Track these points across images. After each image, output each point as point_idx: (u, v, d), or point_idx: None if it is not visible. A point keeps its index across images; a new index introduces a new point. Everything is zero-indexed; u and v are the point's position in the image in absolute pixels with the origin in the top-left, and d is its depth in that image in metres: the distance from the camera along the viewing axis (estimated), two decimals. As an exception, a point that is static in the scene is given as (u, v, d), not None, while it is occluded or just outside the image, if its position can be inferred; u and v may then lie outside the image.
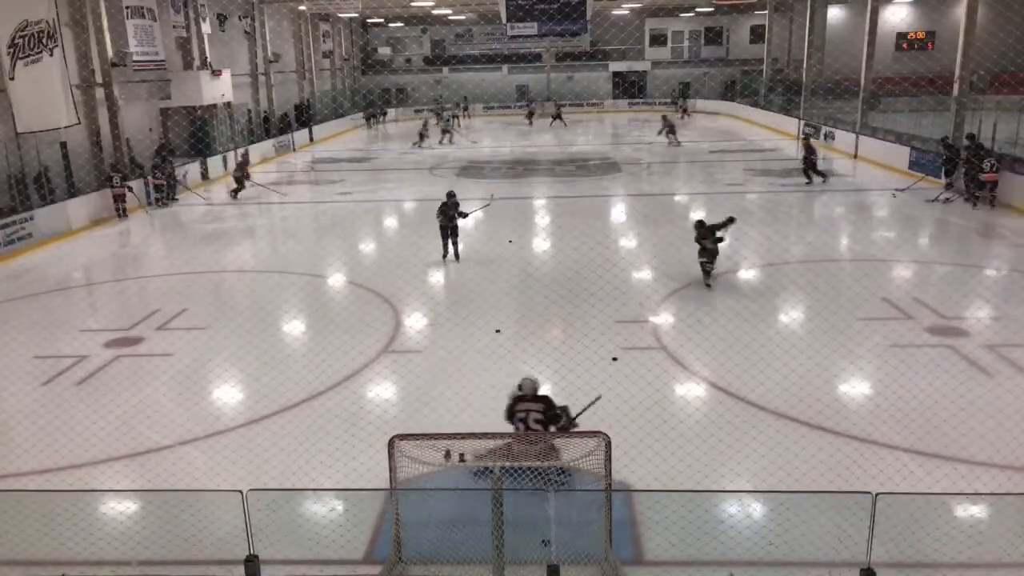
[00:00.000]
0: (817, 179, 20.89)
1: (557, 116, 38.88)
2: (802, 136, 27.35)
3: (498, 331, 10.45)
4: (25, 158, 17.63)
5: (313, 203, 21.88)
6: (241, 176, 21.87)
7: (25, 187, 17.32)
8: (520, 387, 7.02)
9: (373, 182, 24.67)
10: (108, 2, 20.43)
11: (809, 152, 21.04)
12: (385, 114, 44.09)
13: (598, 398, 7.27)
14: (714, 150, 29.66)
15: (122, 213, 19.22)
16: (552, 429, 6.84)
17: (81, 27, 19.86)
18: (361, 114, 43.03)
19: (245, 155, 23.61)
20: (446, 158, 29.03)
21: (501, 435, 6.70)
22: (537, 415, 6.81)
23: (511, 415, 6.91)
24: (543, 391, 8.75)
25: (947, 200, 18.14)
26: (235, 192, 21.77)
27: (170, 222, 19.37)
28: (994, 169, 17.01)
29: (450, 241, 14.24)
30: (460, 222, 14.28)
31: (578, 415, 7.03)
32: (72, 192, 18.75)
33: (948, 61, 22.51)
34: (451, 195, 14.21)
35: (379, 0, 34.67)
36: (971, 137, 18.73)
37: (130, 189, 19.44)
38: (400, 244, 17.14)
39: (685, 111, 41.27)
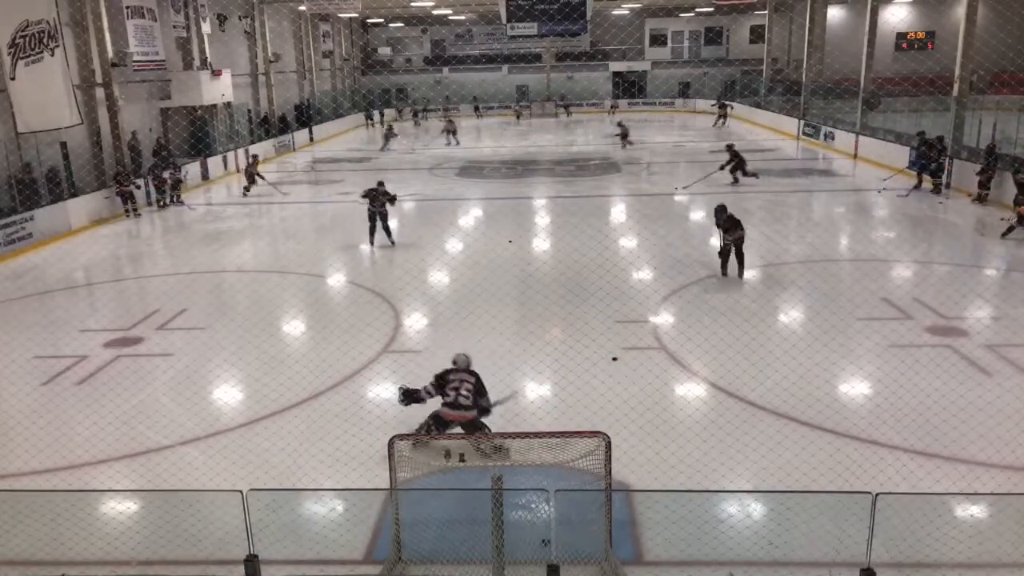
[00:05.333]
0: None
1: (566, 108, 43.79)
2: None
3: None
4: (25, 158, 17.63)
5: (313, 203, 21.88)
6: (252, 174, 22.29)
7: (25, 187, 17.30)
8: (454, 361, 7.48)
9: (373, 182, 24.60)
10: (108, 2, 20.41)
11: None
12: (371, 117, 42.87)
13: (513, 394, 8.02)
14: (714, 150, 29.64)
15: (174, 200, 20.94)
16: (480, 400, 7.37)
17: (81, 27, 19.86)
18: (368, 113, 43.19)
19: (255, 155, 23.70)
20: (446, 158, 29.03)
21: (503, 435, 6.72)
22: (469, 385, 7.30)
23: (443, 384, 7.28)
24: (544, 388, 8.78)
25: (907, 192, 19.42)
26: (246, 189, 22.20)
27: (170, 222, 19.37)
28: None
29: (379, 226, 15.35)
30: (389, 207, 15.41)
31: (495, 403, 7.54)
32: (73, 192, 18.75)
33: (948, 61, 22.51)
34: (380, 183, 15.47)
35: (379, 0, 34.67)
36: (920, 134, 20.57)
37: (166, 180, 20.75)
38: (400, 244, 17.13)
39: (724, 117, 37.50)
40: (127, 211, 19.39)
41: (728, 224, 12.54)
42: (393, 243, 15.40)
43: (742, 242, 12.61)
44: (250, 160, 23.02)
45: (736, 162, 21.02)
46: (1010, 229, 14.92)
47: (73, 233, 17.62)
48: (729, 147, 21.51)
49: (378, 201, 15.18)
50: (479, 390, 7.34)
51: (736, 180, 21.04)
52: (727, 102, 39.15)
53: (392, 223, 15.71)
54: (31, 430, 8.02)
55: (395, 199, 15.40)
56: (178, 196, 21.23)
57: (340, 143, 35.96)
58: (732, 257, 12.74)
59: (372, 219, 15.27)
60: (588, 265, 12.49)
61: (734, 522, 6.15)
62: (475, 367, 7.36)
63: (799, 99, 32.76)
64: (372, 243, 15.38)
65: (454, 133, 33.41)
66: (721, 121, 36.78)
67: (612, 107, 45.42)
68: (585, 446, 5.73)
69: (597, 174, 24.67)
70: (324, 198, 22.35)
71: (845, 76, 30.14)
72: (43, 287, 13.82)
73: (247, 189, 22.07)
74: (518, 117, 44.21)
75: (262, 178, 22.18)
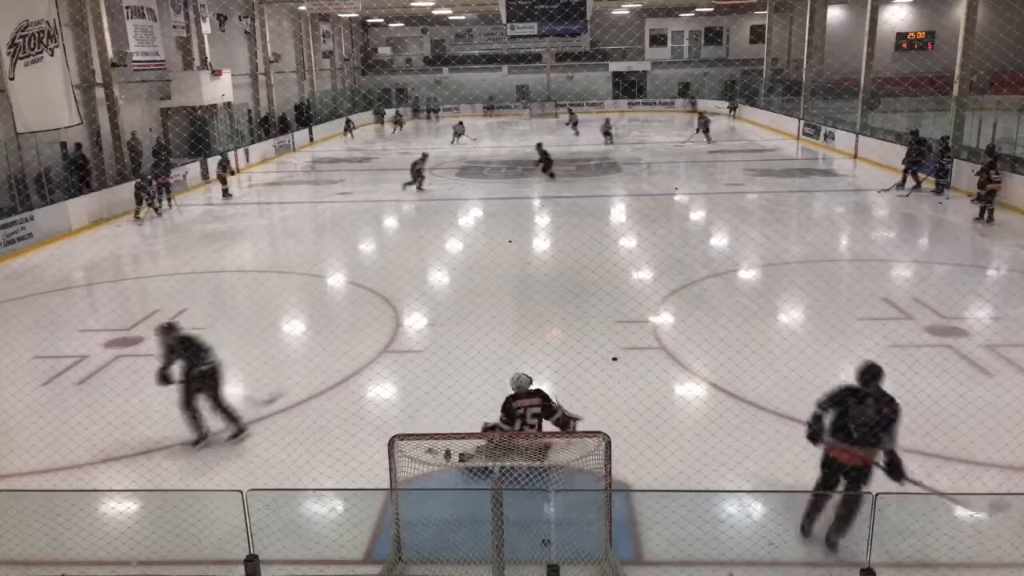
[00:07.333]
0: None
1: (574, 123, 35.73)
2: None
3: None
4: (25, 158, 17.63)
5: (313, 203, 21.88)
6: (419, 170, 22.21)
7: (25, 187, 17.31)
8: (517, 385, 6.92)
9: (373, 182, 24.66)
10: (108, 2, 20.43)
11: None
12: (350, 129, 38.89)
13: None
14: (714, 150, 29.67)
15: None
16: (550, 422, 6.85)
17: (81, 27, 19.87)
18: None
19: (425, 154, 23.42)
20: (446, 158, 29.03)
21: (503, 435, 6.70)
22: (535, 409, 6.82)
23: (510, 414, 6.85)
24: (544, 388, 8.76)
25: (908, 191, 19.40)
26: (418, 187, 22.13)
27: (170, 222, 19.36)
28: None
29: (206, 407, 7.68)
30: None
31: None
32: (73, 192, 18.74)
33: (948, 61, 22.53)
34: (204, 355, 7.67)
35: (379, 0, 34.67)
36: (914, 133, 20.46)
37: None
38: (400, 244, 17.14)
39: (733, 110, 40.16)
40: (155, 208, 19.44)
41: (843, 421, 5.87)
42: (238, 433, 7.77)
43: (865, 475, 5.72)
44: (419, 158, 22.63)
45: (544, 162, 23.20)
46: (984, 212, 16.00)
47: (73, 233, 17.62)
48: (538, 146, 23.59)
49: (203, 361, 7.61)
50: (548, 410, 6.83)
51: (548, 174, 23.04)
52: (705, 111, 36.48)
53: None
54: (31, 430, 8.02)
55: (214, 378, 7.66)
56: (226, 189, 21.83)
57: (340, 143, 35.96)
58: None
59: (188, 390, 7.61)
60: (588, 265, 12.49)
61: (734, 522, 6.15)
62: (474, 367, 7.31)
63: (799, 99, 32.76)
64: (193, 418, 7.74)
65: (576, 124, 34.82)
66: (730, 124, 35.57)
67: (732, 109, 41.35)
68: (585, 446, 5.73)
69: (597, 174, 24.67)
70: (324, 198, 22.35)
71: (845, 76, 30.15)
72: (43, 287, 13.82)
73: (420, 188, 22.01)
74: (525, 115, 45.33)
75: (422, 178, 22.29)
